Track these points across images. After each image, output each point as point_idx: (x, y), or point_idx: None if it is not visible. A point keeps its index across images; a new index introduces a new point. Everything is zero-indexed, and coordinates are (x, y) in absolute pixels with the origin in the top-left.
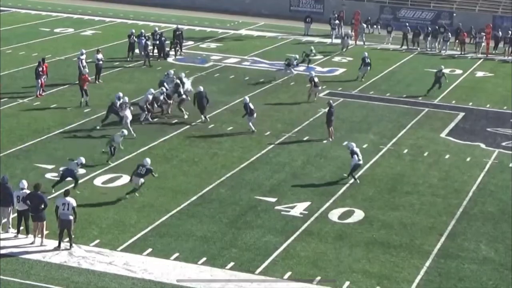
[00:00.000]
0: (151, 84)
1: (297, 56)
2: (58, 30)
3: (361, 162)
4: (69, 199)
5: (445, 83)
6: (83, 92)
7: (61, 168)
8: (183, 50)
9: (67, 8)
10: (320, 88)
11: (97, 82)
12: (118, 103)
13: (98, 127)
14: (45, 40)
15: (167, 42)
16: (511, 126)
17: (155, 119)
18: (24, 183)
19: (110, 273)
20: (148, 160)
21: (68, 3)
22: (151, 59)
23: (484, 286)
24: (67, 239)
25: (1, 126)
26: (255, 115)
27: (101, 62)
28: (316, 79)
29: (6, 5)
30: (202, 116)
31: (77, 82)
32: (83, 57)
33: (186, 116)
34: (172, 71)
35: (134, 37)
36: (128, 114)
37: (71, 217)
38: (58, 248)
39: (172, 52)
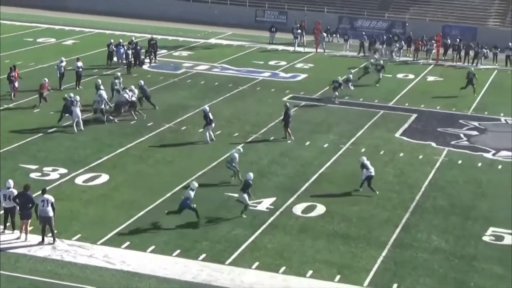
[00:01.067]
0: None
1: (351, 71)
2: (41, 40)
3: (373, 173)
4: (47, 196)
5: (476, 83)
6: (41, 98)
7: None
8: (157, 58)
9: (49, 19)
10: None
11: (77, 88)
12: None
13: (82, 128)
14: (29, 49)
15: (142, 50)
16: (459, 126)
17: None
18: (11, 182)
19: (91, 265)
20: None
21: (49, 15)
22: (125, 66)
23: (436, 273)
24: (50, 234)
25: None
26: (213, 124)
27: (80, 70)
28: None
29: None
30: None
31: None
32: (63, 64)
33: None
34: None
35: (113, 46)
36: (78, 112)
37: (51, 213)
38: (42, 243)
39: (147, 60)
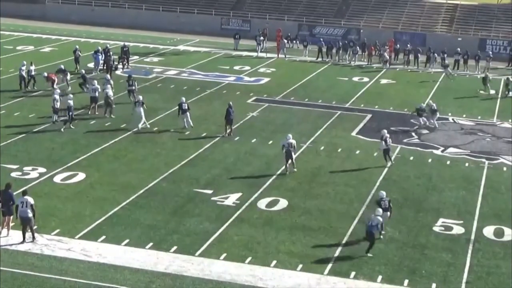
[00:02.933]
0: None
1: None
2: (20, 48)
3: (388, 147)
4: (27, 197)
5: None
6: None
7: None
8: (129, 64)
9: (26, 28)
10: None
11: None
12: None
13: (62, 129)
14: (9, 57)
15: (115, 56)
16: (411, 125)
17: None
18: None
19: (69, 258)
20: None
21: (28, 24)
22: (101, 71)
23: (390, 261)
24: (30, 232)
25: None
26: (187, 113)
27: (33, 73)
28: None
29: None
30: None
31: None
32: (24, 67)
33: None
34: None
35: (79, 52)
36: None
37: (30, 215)
38: (23, 242)
39: (120, 66)
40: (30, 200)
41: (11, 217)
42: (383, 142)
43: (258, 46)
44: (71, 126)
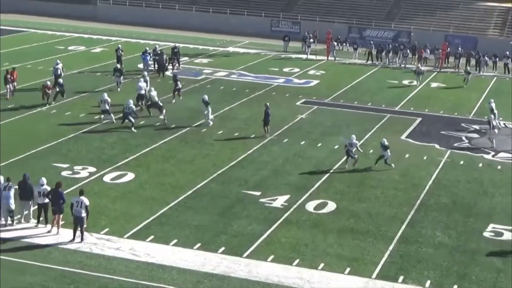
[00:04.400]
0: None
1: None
2: (71, 48)
3: (389, 154)
4: (83, 198)
5: None
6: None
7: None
8: (180, 65)
9: (78, 28)
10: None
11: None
12: None
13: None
14: (60, 57)
15: (164, 56)
16: (461, 129)
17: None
18: (43, 180)
19: (117, 257)
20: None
21: (79, 25)
22: (151, 72)
23: (439, 267)
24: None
25: (23, 131)
26: (209, 106)
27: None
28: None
29: (25, 26)
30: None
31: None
32: (59, 66)
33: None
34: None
35: (121, 51)
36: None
37: (83, 215)
38: (72, 240)
39: (170, 67)
40: (86, 201)
41: (61, 215)
42: (384, 150)
43: (307, 48)
44: (133, 129)
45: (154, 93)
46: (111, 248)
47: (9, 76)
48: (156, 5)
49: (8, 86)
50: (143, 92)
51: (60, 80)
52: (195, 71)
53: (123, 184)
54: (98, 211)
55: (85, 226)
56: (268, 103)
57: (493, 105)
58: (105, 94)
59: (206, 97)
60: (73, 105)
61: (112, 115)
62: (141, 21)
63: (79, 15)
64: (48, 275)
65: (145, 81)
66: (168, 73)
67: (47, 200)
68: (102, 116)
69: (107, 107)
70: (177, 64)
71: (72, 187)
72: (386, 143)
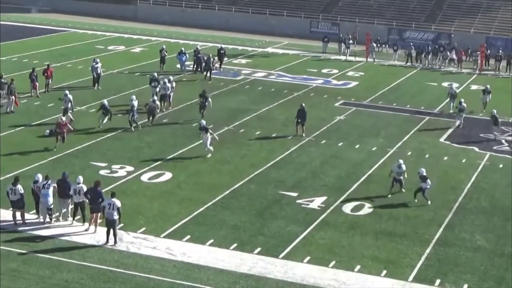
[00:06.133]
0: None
1: None
2: (111, 48)
3: (429, 187)
4: (115, 200)
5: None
6: (58, 139)
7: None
8: (222, 66)
9: (118, 28)
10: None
11: (96, 88)
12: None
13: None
14: (100, 56)
15: (205, 58)
16: (501, 132)
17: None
18: (80, 178)
19: (154, 256)
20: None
21: (119, 24)
22: (189, 73)
23: (477, 270)
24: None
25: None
26: (208, 133)
27: (98, 70)
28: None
29: (66, 26)
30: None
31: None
32: (99, 65)
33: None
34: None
35: (165, 52)
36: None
37: (116, 217)
38: (106, 243)
39: (217, 65)
40: (117, 203)
41: (99, 214)
42: (422, 182)
43: (347, 49)
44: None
45: (135, 102)
46: (148, 247)
47: (44, 73)
48: (196, 5)
49: (36, 84)
50: (167, 92)
51: (105, 102)
52: (233, 71)
53: (161, 183)
54: (135, 210)
55: (119, 226)
56: (303, 103)
57: (464, 105)
58: (67, 92)
59: (203, 122)
60: (111, 104)
61: (70, 115)
62: (181, 21)
63: (119, 15)
64: (84, 273)
65: (170, 82)
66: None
67: (83, 199)
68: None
69: (69, 106)
70: (218, 65)
71: (110, 186)
72: (425, 173)
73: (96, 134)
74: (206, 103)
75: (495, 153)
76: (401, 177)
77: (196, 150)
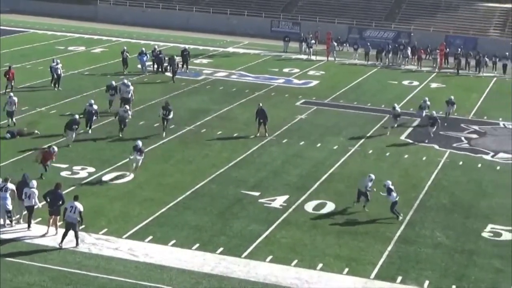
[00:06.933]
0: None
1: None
2: (72, 48)
3: (397, 199)
4: (77, 203)
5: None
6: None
7: None
8: (188, 68)
9: (78, 29)
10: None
11: (56, 89)
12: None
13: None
14: (60, 57)
15: (167, 58)
16: (461, 130)
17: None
18: (34, 183)
19: (116, 258)
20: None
21: (79, 25)
22: (150, 73)
23: (438, 267)
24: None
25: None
26: (139, 156)
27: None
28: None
29: (26, 26)
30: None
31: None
32: (59, 66)
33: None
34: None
35: (126, 53)
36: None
37: (76, 220)
38: (60, 245)
39: (181, 67)
40: (80, 206)
41: (58, 217)
42: (388, 194)
43: (309, 48)
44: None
45: (94, 106)
46: (110, 249)
47: (6, 75)
48: (157, 6)
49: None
50: (128, 96)
51: (92, 108)
52: (195, 71)
53: (122, 184)
54: (97, 212)
55: (82, 227)
56: (261, 103)
57: (428, 103)
58: (12, 94)
59: (140, 143)
60: (73, 105)
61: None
62: (142, 21)
63: (79, 16)
64: (46, 276)
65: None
66: (168, 73)
67: (33, 204)
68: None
69: (13, 109)
70: (185, 66)
71: (71, 187)
72: (391, 185)
73: (57, 136)
74: (169, 117)
75: (455, 151)
76: (368, 192)
77: (158, 150)
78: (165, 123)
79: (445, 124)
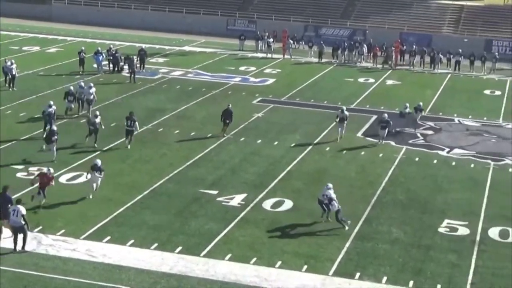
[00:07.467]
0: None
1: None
2: (26, 48)
3: (339, 207)
4: (19, 206)
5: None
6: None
7: None
8: (144, 68)
9: (33, 29)
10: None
11: (11, 89)
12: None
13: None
14: (15, 57)
15: (123, 57)
16: (417, 126)
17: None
18: None
19: (74, 258)
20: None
21: (33, 24)
22: (107, 72)
23: (395, 262)
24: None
25: None
26: (100, 175)
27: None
28: None
29: None
30: None
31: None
32: (13, 66)
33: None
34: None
35: (83, 53)
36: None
37: (20, 224)
38: (14, 251)
39: (125, 66)
40: (22, 210)
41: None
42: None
43: (268, 47)
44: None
45: (52, 108)
46: (67, 250)
47: None
48: (112, 5)
49: None
50: (91, 97)
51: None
52: (151, 70)
53: (80, 184)
54: (54, 213)
55: (39, 228)
56: (230, 104)
57: (408, 110)
58: None
59: (99, 162)
60: (29, 105)
61: None
62: (97, 21)
63: (34, 15)
64: (3, 277)
65: (82, 87)
66: (124, 72)
67: None
68: None
69: None
70: (142, 66)
71: (27, 188)
72: (332, 194)
73: (13, 137)
74: (133, 128)
75: (411, 147)
76: (330, 206)
77: (115, 150)
78: (130, 135)
79: (415, 130)
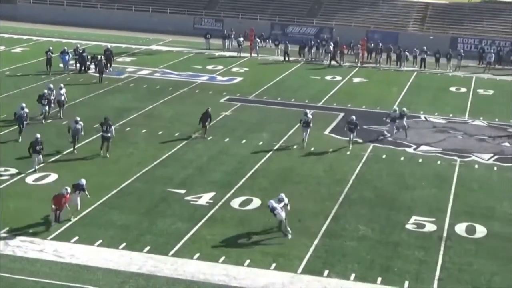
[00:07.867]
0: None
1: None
2: None
3: (282, 219)
4: None
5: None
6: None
7: None
8: (111, 67)
9: None
10: None
11: None
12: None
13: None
14: None
15: (89, 57)
16: (383, 123)
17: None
18: None
19: (41, 259)
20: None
21: None
22: (71, 72)
23: (363, 260)
24: None
25: None
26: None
27: None
28: None
29: None
30: None
31: None
32: None
33: None
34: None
35: (51, 53)
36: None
37: None
38: None
39: (92, 66)
40: None
41: None
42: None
43: (239, 46)
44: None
45: (25, 111)
46: (35, 251)
47: None
48: (78, 4)
49: None
50: (62, 98)
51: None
52: (118, 70)
53: (46, 185)
54: (21, 213)
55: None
56: (209, 107)
57: (397, 113)
58: None
59: (83, 181)
60: None
61: None
62: (62, 20)
63: None
64: None
65: (50, 89)
66: (91, 71)
67: None
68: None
69: None
70: (109, 65)
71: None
72: (274, 204)
73: None
74: (109, 134)
75: (378, 144)
76: (271, 210)
77: (82, 150)
78: (106, 142)
79: (406, 137)
